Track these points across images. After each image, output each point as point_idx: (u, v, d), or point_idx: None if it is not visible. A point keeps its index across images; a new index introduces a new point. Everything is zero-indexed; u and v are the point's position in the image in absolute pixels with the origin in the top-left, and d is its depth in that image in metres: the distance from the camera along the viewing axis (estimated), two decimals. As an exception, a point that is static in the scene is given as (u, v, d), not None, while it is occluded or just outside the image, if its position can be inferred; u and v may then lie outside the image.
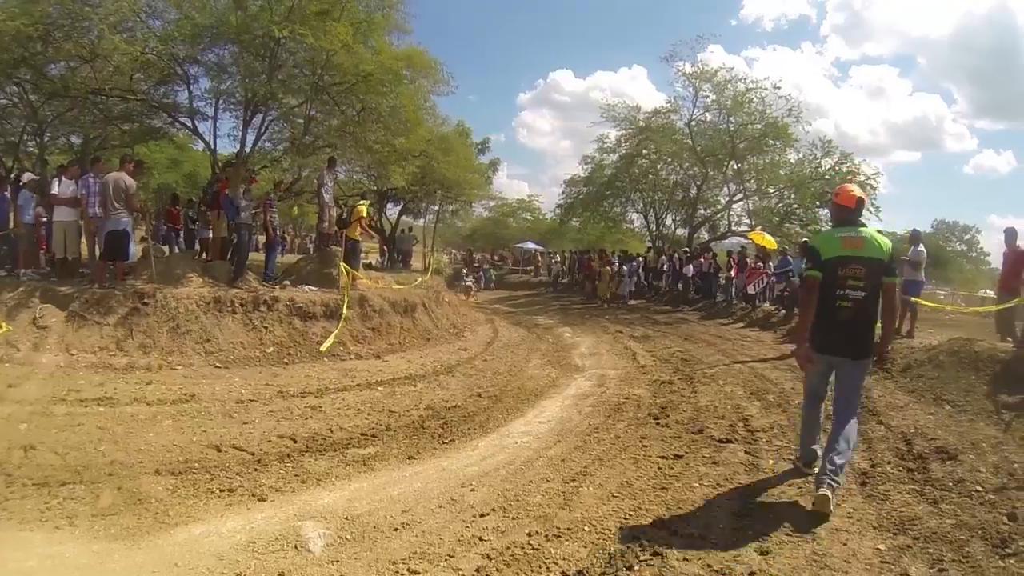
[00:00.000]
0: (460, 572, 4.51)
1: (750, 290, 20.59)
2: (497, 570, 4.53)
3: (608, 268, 28.15)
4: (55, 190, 12.32)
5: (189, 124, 16.45)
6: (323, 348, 11.46)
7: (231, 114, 16.26)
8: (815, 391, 6.10)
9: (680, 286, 27.66)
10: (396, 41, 16.19)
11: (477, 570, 4.52)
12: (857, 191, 5.80)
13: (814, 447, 6.14)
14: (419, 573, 4.49)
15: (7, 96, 16.47)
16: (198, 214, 17.36)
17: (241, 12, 13.40)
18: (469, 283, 30.96)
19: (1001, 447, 6.81)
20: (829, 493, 5.21)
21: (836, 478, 5.31)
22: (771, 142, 31.05)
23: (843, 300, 5.39)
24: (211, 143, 16.39)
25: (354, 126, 15.51)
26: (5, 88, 15.98)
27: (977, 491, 5.69)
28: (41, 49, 13.49)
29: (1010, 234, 11.58)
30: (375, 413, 8.66)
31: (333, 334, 11.81)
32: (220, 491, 5.89)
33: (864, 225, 5.69)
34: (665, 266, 29.48)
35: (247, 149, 15.46)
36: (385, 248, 30.73)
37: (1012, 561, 4.41)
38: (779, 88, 30.67)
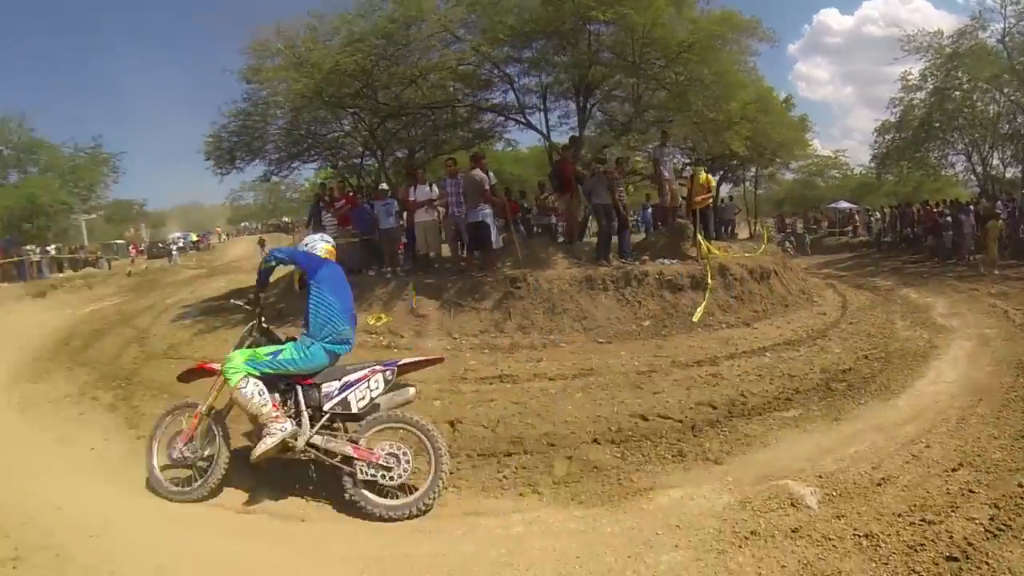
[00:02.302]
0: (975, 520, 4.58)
1: None
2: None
3: (997, 222, 22.58)
4: (412, 197, 13.83)
5: (522, 120, 17.41)
6: (695, 318, 11.69)
7: (561, 102, 17.11)
8: None
9: (1029, 235, 24.22)
10: (704, 5, 16.08)
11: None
12: None
13: None
14: (935, 523, 4.58)
15: (349, 123, 18.81)
16: (537, 201, 18.37)
17: (552, 7, 13.91)
18: (789, 248, 29.69)
19: None
20: None
21: None
22: None
23: None
24: (546, 133, 17.29)
25: (681, 98, 15.58)
26: (345, 117, 18.29)
27: None
28: (376, 78, 15.17)
29: None
30: (776, 378, 8.73)
31: (702, 305, 11.98)
32: (672, 456, 6.36)
33: None
34: (1003, 213, 26.16)
35: (575, 133, 16.14)
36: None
37: None
38: None
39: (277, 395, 5.59)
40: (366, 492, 5.30)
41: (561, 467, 6.27)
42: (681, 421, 7.19)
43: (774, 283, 13.54)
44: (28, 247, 35.48)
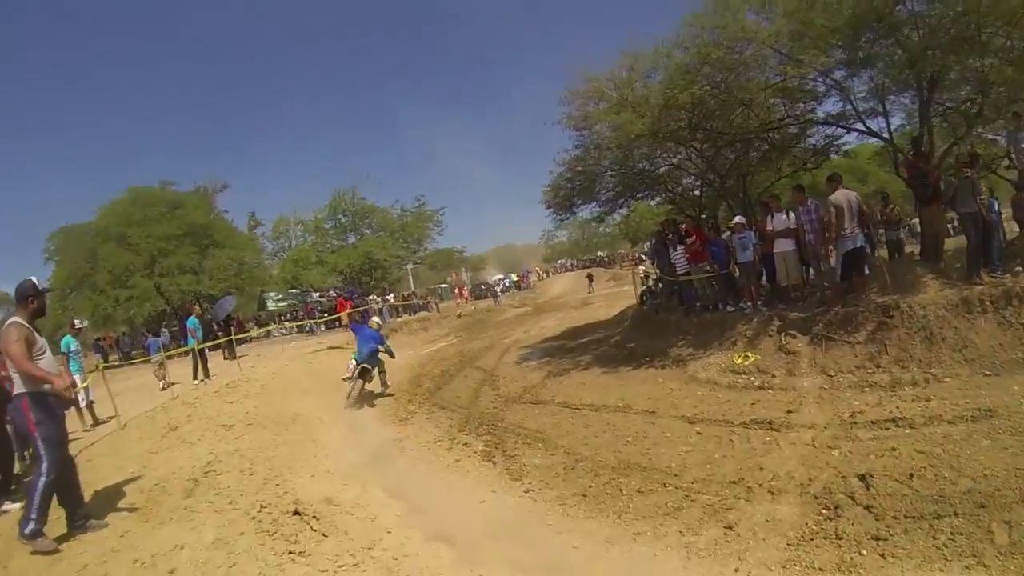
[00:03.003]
0: None
1: None
2: None
3: None
4: (769, 226, 13.45)
5: (862, 127, 16.14)
6: (1093, 344, 10.17)
7: (901, 100, 15.84)
8: None
9: None
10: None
11: None
12: None
13: None
14: None
15: (682, 155, 18.74)
16: (884, 213, 17.33)
17: None
18: None
19: None
20: None
21: None
22: None
23: None
24: (890, 138, 15.74)
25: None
26: (679, 151, 18.22)
27: None
28: (709, 107, 14.90)
29: None
30: None
31: (1099, 328, 10.33)
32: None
33: None
34: None
35: (915, 134, 14.76)
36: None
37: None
38: None
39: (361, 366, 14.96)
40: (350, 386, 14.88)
41: (1001, 534, 5.64)
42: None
43: None
44: (370, 297, 39.58)
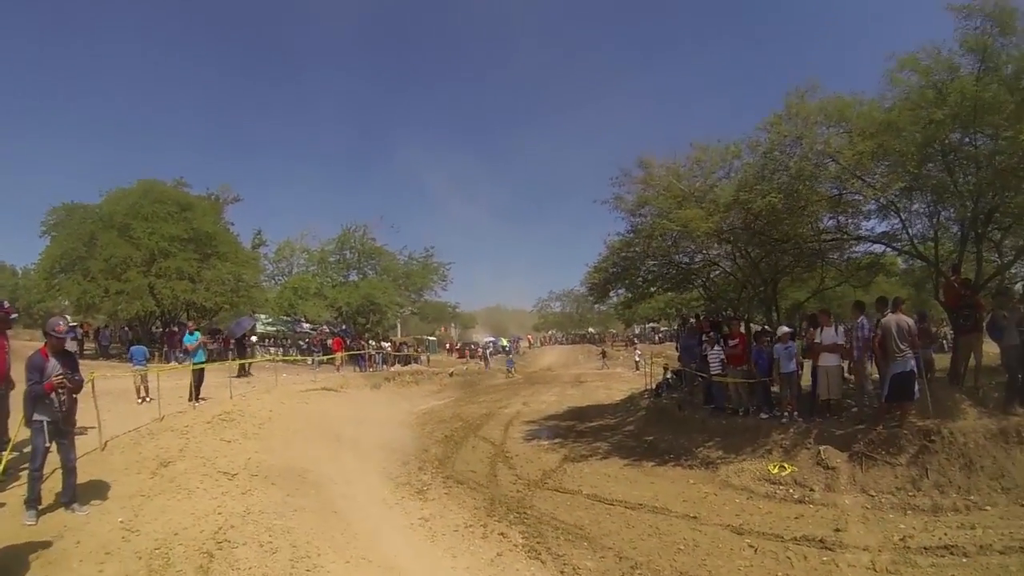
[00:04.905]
0: None
1: None
2: None
3: None
4: (818, 339, 13.48)
5: (911, 250, 16.13)
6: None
7: (953, 227, 15.95)
8: None
9: None
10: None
11: None
12: None
13: None
14: None
15: (727, 253, 18.83)
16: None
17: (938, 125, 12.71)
18: None
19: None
20: None
21: None
22: None
23: None
24: (935, 262, 15.68)
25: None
26: (723, 248, 18.30)
27: None
28: (779, 215, 14.69)
29: None
30: None
31: None
32: None
33: None
34: None
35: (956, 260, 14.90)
36: None
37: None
38: None
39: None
40: None
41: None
42: None
43: None
44: (371, 342, 39.86)
